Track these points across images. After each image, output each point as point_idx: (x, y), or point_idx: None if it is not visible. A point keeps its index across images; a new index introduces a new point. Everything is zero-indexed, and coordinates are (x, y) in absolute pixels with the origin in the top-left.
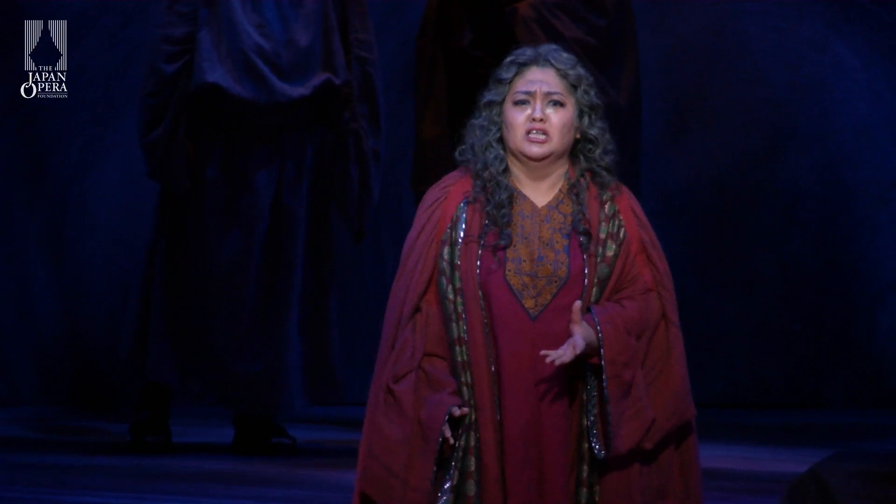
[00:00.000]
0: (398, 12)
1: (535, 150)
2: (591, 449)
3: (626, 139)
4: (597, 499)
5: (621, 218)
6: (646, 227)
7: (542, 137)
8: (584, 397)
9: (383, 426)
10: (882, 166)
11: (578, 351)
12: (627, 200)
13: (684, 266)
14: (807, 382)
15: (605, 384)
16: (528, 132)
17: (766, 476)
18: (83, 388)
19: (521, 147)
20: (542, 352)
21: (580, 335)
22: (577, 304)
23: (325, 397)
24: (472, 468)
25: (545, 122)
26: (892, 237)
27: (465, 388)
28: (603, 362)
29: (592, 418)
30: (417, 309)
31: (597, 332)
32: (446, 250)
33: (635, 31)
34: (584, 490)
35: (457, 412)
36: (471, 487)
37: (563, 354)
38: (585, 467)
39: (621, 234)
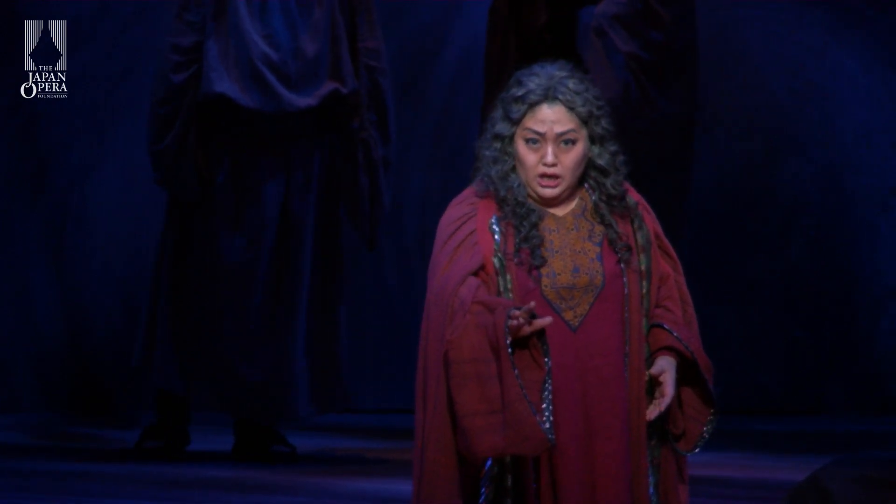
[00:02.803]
0: (397, 17)
1: (548, 192)
2: (654, 450)
3: (678, 149)
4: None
5: (644, 221)
6: (654, 217)
7: (555, 181)
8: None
9: (458, 386)
10: (882, 172)
11: (673, 392)
12: (638, 198)
13: (683, 271)
14: (807, 389)
15: (711, 391)
16: (541, 175)
17: (766, 483)
18: (83, 394)
19: (533, 188)
20: (647, 417)
21: (670, 374)
22: (659, 367)
23: (333, 406)
24: (509, 484)
25: (556, 167)
26: (892, 243)
27: None
28: (706, 376)
29: (668, 426)
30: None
31: (689, 355)
32: (496, 259)
33: (696, 44)
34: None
35: (516, 313)
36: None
37: (660, 405)
38: (647, 474)
39: (648, 239)
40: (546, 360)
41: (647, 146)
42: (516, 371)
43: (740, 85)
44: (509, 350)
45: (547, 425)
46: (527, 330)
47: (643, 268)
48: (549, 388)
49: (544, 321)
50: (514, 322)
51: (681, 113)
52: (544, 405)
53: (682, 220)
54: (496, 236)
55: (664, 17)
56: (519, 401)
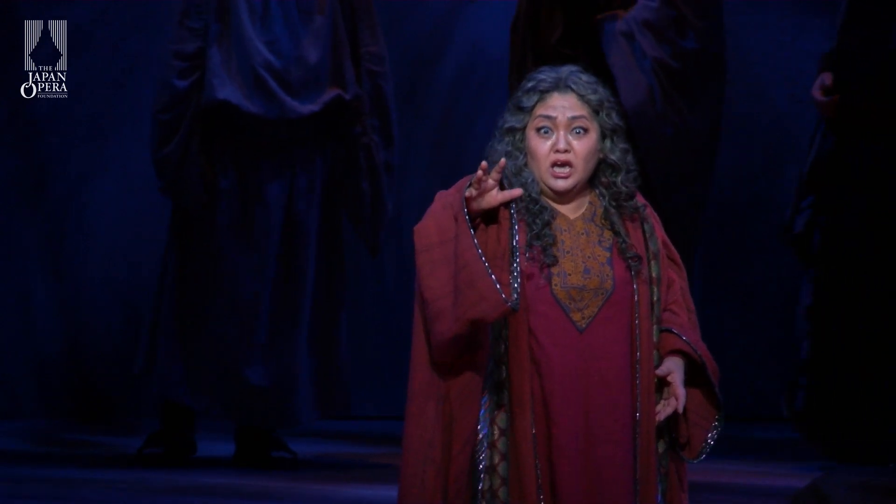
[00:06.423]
0: (398, 24)
1: (561, 184)
2: (661, 458)
3: (699, 163)
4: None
5: (654, 230)
6: (660, 224)
7: (567, 171)
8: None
9: (428, 274)
10: None
11: (684, 391)
12: (644, 203)
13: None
14: None
15: (718, 394)
16: (553, 165)
17: (765, 490)
18: (83, 401)
19: (546, 180)
20: (657, 418)
21: (678, 375)
22: (666, 367)
23: (336, 410)
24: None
25: (569, 153)
26: None
27: (502, 412)
28: (713, 380)
29: (674, 434)
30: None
31: (697, 357)
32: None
33: (725, 57)
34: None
35: (483, 165)
36: (503, 493)
37: (673, 405)
38: (656, 482)
39: (658, 247)
40: (514, 230)
41: (670, 154)
42: (472, 232)
43: (740, 92)
44: (465, 211)
45: (515, 296)
46: (497, 197)
47: (654, 274)
48: (517, 265)
49: (514, 192)
50: (479, 173)
51: (705, 127)
52: (510, 278)
53: (698, 233)
54: (513, 221)
55: (697, 28)
56: (475, 261)
